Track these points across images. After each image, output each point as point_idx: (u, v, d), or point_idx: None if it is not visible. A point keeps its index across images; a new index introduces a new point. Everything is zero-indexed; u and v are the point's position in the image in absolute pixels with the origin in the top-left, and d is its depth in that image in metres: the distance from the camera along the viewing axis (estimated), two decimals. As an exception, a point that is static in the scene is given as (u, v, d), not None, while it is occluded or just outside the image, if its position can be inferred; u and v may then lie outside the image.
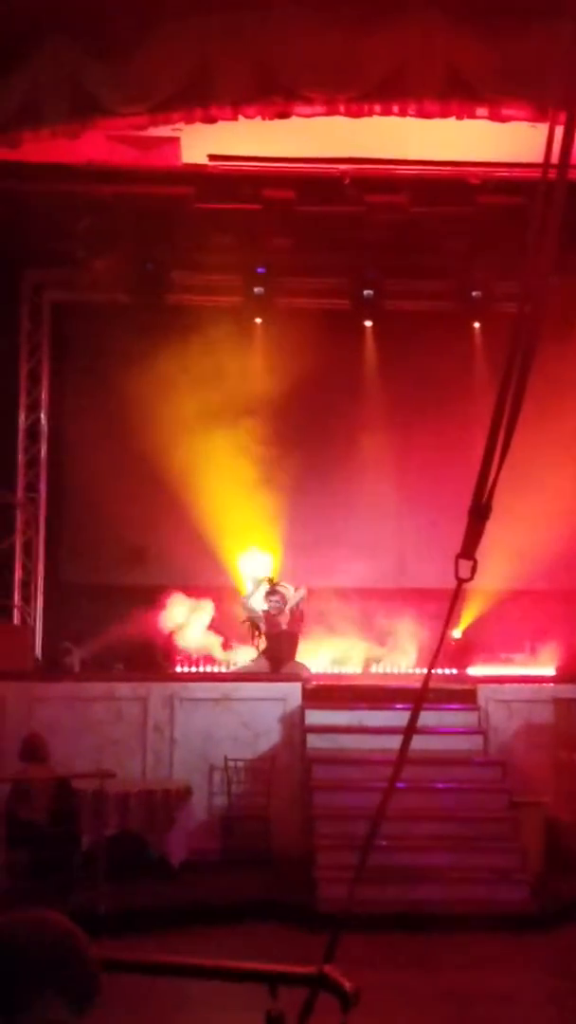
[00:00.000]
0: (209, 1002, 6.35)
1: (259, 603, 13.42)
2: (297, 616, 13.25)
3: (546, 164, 3.31)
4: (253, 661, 13.27)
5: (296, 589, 13.43)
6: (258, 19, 9.97)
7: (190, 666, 14.14)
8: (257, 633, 13.38)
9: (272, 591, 13.33)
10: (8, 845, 9.23)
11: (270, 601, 13.29)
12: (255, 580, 13.72)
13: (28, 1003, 1.77)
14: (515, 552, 12.70)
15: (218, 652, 14.33)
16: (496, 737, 11.51)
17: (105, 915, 8.53)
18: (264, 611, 13.34)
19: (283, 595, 13.23)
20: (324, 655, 14.29)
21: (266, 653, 13.14)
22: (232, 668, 13.86)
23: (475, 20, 9.79)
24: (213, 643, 14.32)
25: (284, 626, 13.21)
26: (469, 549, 3.15)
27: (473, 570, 3.13)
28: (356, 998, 2.83)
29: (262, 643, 13.39)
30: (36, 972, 1.80)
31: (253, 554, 14.43)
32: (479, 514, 3.14)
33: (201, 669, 14.13)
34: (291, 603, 13.24)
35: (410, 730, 3.27)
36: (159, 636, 14.02)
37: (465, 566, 3.13)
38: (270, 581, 13.53)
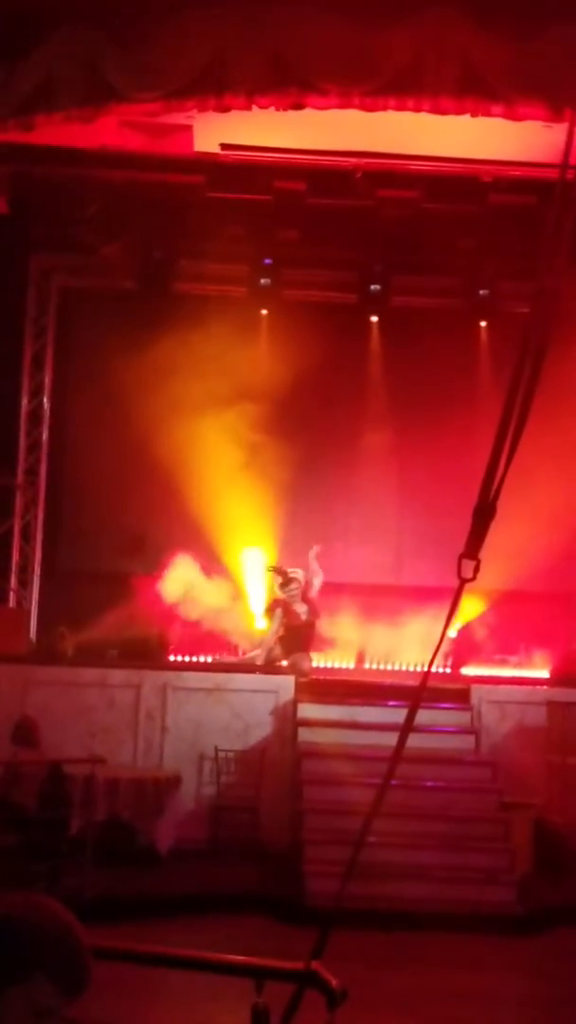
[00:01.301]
0: (193, 993, 6.35)
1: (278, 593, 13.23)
2: (315, 607, 13.09)
3: (565, 165, 3.29)
4: (274, 647, 13.02)
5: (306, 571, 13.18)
6: (275, 9, 9.93)
7: (184, 655, 14.10)
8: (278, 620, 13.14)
9: (286, 581, 13.12)
10: (-4, 828, 9.23)
11: (287, 591, 13.12)
12: (269, 570, 13.53)
13: (15, 982, 1.76)
14: (512, 553, 12.67)
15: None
16: (488, 737, 11.51)
17: (91, 901, 8.52)
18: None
19: (298, 581, 13.06)
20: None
21: (282, 642, 13.01)
22: (249, 656, 13.66)
23: (493, 18, 9.75)
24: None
25: (303, 616, 13.03)
26: (473, 548, 3.13)
27: (476, 570, 3.12)
28: (343, 996, 2.82)
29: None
30: (26, 953, 1.79)
31: (254, 551, 14.37)
32: (484, 513, 3.13)
33: (194, 659, 14.10)
34: (314, 588, 12.98)
35: (407, 728, 3.26)
36: (157, 622, 13.97)
37: (468, 565, 3.12)
38: (278, 571, 13.33)
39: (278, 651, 12.91)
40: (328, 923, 3.20)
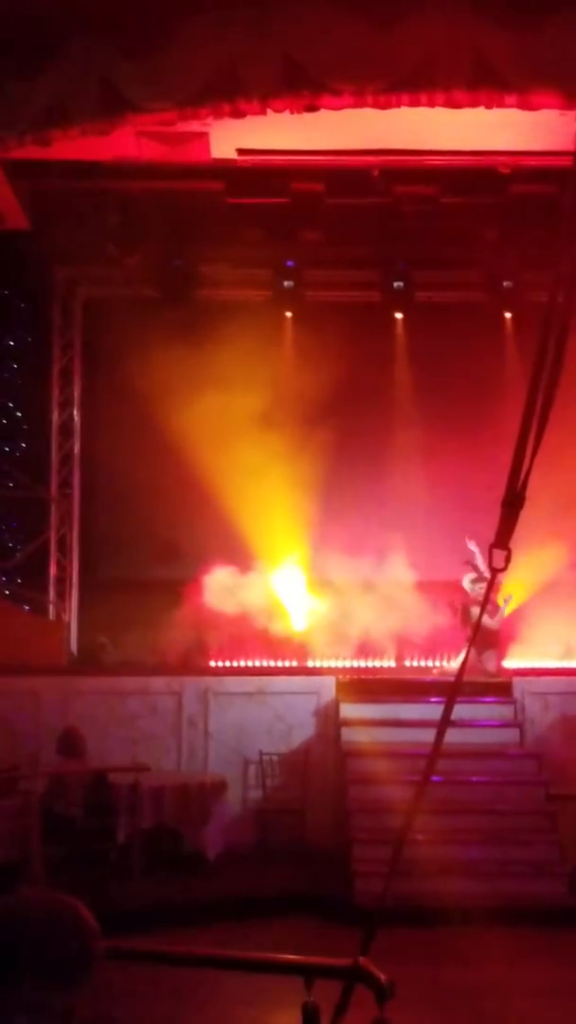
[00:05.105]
0: (245, 995, 6.36)
1: (468, 586, 12.92)
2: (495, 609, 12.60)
3: (576, 151, 3.29)
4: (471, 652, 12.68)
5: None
6: (285, 11, 9.95)
7: (225, 660, 14.13)
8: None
9: (479, 577, 12.70)
10: (44, 839, 9.28)
11: (475, 587, 12.81)
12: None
13: (6, 986, 1.78)
14: (552, 543, 12.61)
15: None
16: (532, 730, 11.45)
17: (141, 909, 8.55)
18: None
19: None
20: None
21: (471, 642, 12.57)
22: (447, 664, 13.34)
23: (503, 8, 9.71)
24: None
25: (488, 617, 12.49)
26: (503, 539, 3.14)
27: (507, 560, 3.12)
28: (391, 991, 2.82)
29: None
30: (13, 955, 1.80)
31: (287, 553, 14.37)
32: (512, 504, 3.13)
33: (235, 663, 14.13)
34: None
35: (444, 723, 3.26)
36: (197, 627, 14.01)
37: (499, 556, 3.12)
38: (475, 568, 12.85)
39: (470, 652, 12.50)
40: (374, 920, 3.21)
